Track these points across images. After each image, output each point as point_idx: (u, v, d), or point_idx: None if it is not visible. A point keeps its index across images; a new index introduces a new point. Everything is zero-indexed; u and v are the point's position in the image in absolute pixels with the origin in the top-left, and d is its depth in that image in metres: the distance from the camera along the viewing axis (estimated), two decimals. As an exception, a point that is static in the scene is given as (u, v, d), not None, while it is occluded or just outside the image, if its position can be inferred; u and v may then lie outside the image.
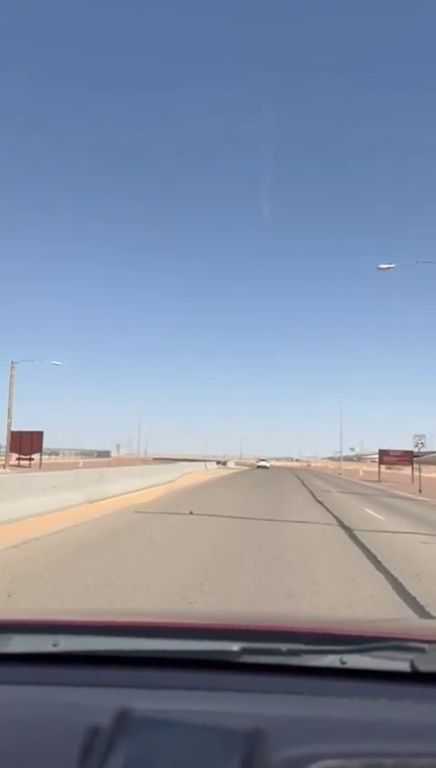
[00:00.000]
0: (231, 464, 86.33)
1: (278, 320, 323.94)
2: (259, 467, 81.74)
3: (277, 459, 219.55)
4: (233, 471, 59.80)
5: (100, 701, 1.00)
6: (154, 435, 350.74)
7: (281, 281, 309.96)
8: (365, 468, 69.29)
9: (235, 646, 1.16)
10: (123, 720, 0.86)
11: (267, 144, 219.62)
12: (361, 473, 60.22)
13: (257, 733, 0.85)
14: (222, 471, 56.40)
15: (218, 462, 68.86)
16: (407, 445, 42.78)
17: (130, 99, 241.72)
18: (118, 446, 74.35)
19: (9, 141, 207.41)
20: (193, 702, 1.03)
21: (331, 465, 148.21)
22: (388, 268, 21.79)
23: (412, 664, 1.10)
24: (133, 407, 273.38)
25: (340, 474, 62.13)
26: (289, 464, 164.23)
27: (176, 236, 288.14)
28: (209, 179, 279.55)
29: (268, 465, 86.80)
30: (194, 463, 52.67)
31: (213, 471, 52.02)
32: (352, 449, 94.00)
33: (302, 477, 49.62)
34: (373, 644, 1.17)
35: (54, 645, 1.21)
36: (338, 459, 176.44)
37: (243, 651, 1.15)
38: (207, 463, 56.34)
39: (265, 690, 1.07)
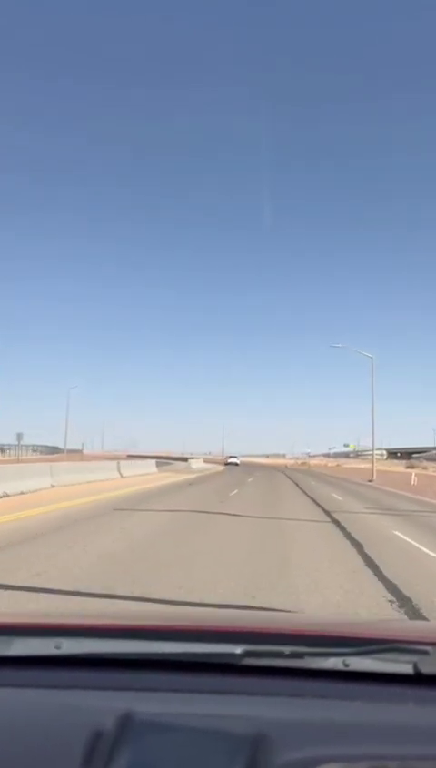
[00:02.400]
0: (198, 463, 57.23)
1: (274, 318, 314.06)
2: (227, 464, 75.88)
3: (267, 457, 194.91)
4: (185, 477, 32.58)
5: (102, 704, 0.99)
6: (146, 432, 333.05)
7: (278, 281, 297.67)
8: (417, 471, 43.76)
9: (238, 649, 1.15)
10: (126, 723, 0.86)
11: (267, 144, 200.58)
12: (414, 480, 33.98)
13: (260, 736, 0.85)
14: (161, 479, 30.26)
15: (164, 460, 42.40)
16: (408, 442, 18.37)
17: (130, 98, 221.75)
18: (19, 435, 48.15)
19: (9, 140, 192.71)
20: (195, 705, 1.02)
21: (329, 463, 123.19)
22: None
23: (415, 667, 1.09)
24: (122, 405, 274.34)
25: (370, 480, 36.18)
26: (281, 461, 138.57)
27: (175, 236, 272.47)
28: (209, 179, 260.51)
29: (238, 461, 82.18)
30: (136, 462, 26.82)
31: (138, 480, 26.05)
32: (346, 445, 77.10)
33: (316, 496, 23.17)
34: (376, 647, 1.15)
35: (57, 648, 1.19)
36: (333, 456, 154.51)
37: (246, 653, 1.14)
38: (122, 462, 29.53)
39: (268, 693, 1.06)
